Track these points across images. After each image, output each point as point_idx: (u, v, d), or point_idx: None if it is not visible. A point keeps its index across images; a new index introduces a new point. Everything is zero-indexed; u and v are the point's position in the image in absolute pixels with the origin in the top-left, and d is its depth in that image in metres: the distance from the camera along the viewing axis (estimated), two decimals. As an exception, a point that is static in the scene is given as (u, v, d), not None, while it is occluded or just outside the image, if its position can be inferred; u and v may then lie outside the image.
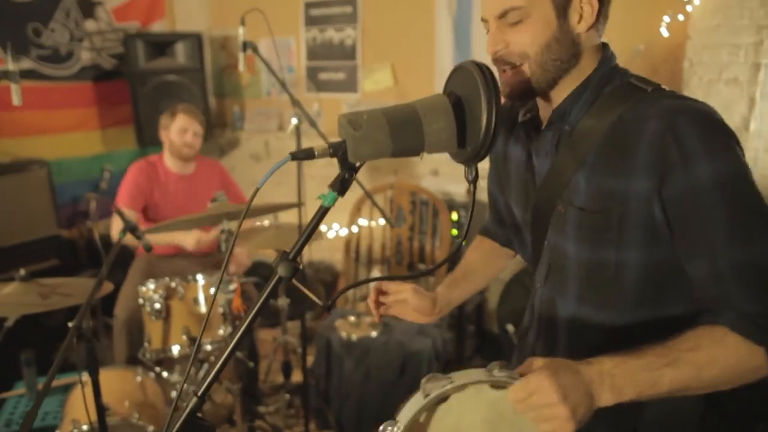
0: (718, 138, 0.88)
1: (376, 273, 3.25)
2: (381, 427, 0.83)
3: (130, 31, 3.84)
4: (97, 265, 3.45)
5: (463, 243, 1.00)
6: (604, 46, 1.02)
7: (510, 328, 2.95)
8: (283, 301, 2.60)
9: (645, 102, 0.93)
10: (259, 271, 3.32)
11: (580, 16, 0.96)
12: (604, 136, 0.95)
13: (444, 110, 0.87)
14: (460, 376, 0.82)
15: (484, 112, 0.84)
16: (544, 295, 1.11)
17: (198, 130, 2.75)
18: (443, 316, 2.73)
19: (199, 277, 2.08)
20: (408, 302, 1.18)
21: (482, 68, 0.86)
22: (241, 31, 2.21)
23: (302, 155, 0.86)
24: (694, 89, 2.62)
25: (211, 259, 2.80)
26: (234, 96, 4.28)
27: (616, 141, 0.93)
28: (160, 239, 2.55)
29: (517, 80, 0.99)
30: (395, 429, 0.82)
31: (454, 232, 3.01)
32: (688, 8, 2.57)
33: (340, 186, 0.88)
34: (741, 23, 2.50)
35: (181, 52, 3.79)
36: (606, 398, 0.81)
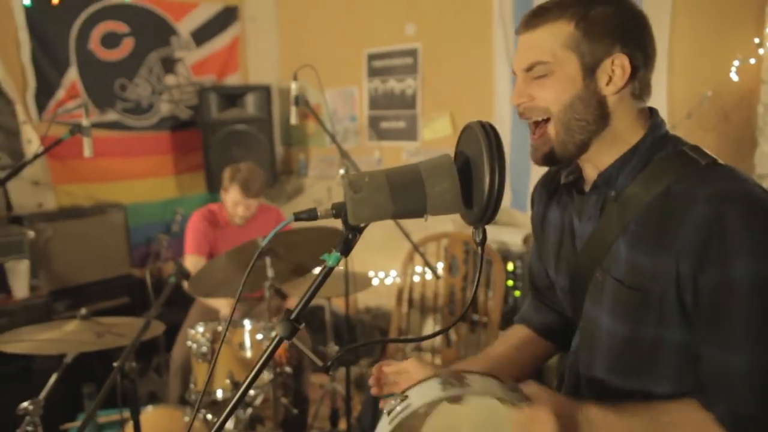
0: (766, 235, 0.83)
1: (429, 322, 3.20)
2: (390, 400, 0.88)
3: (205, 84, 4.11)
4: (165, 303, 3.62)
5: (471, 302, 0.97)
6: (652, 112, 0.99)
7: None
8: (331, 348, 2.60)
9: (696, 177, 0.89)
10: (307, 316, 3.36)
11: (610, 78, 0.93)
12: (649, 206, 0.92)
13: (448, 171, 0.86)
14: (479, 383, 0.87)
15: (487, 173, 0.82)
16: (573, 363, 1.06)
17: (251, 204, 2.77)
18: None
19: (246, 322, 2.13)
20: (410, 373, 1.12)
21: (486, 127, 0.84)
22: (293, 85, 2.31)
23: (305, 216, 0.87)
24: (771, 136, 2.44)
25: (265, 305, 2.86)
26: (300, 144, 4.45)
27: (660, 215, 0.90)
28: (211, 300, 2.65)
29: (545, 142, 0.98)
30: (404, 405, 0.85)
31: (510, 282, 2.92)
32: (760, 51, 2.43)
33: (344, 247, 0.88)
34: (820, 66, 2.33)
35: (251, 103, 4.01)
36: None
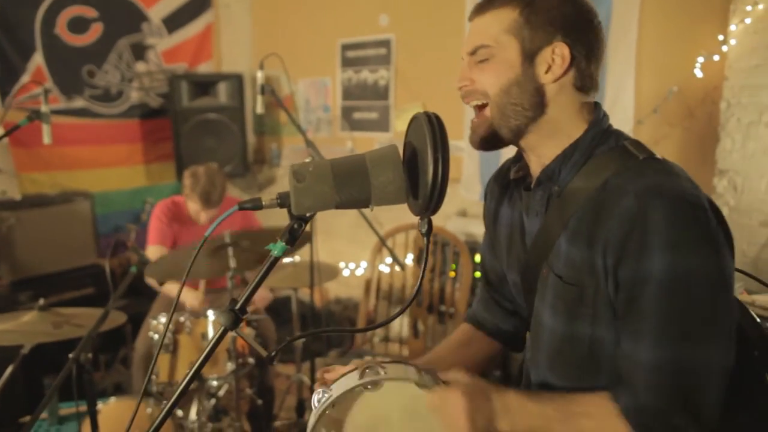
0: (689, 231, 0.83)
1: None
2: (317, 390, 0.93)
3: (177, 72, 4.05)
4: (131, 294, 3.57)
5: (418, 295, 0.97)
6: (596, 106, 0.99)
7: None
8: (298, 340, 2.60)
9: (632, 171, 0.89)
10: (273, 306, 3.35)
11: (549, 67, 0.94)
12: (587, 200, 0.91)
13: (392, 162, 0.85)
14: (394, 369, 0.90)
15: (430, 164, 0.82)
16: (526, 361, 1.08)
17: (212, 211, 2.71)
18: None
19: (210, 312, 2.11)
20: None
21: (432, 119, 0.84)
22: (259, 74, 2.30)
23: (249, 205, 0.86)
24: (732, 131, 2.49)
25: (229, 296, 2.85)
26: (272, 134, 4.41)
27: (595, 209, 0.90)
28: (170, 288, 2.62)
29: (481, 124, 0.98)
30: (326, 396, 0.90)
31: (477, 274, 2.94)
32: (724, 48, 2.47)
33: (289, 236, 0.88)
34: (780, 64, 2.38)
35: (223, 91, 3.96)
36: (503, 426, 0.87)
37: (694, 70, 2.54)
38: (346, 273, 3.52)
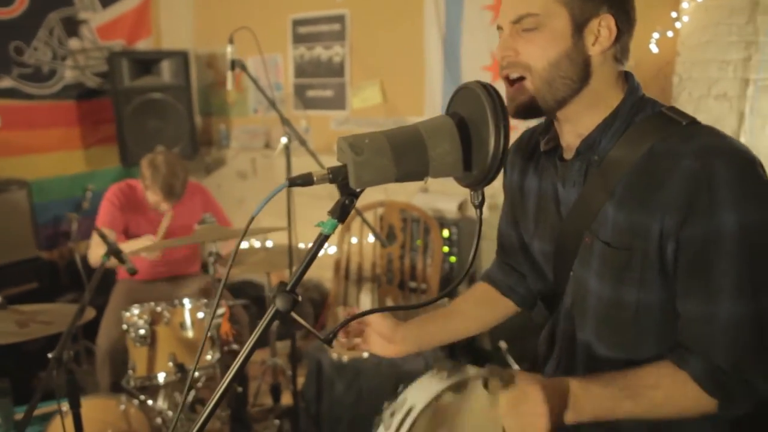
0: (753, 186, 0.86)
1: (366, 292, 3.20)
2: (387, 407, 0.81)
3: (114, 49, 3.79)
4: (78, 287, 3.36)
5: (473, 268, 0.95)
6: (628, 76, 1.00)
7: (503, 344, 2.90)
8: (274, 325, 2.53)
9: (679, 136, 0.90)
10: (247, 291, 3.26)
11: (596, 38, 0.93)
12: (634, 167, 0.92)
13: (449, 133, 0.83)
14: (471, 368, 0.83)
15: (492, 134, 0.80)
16: (567, 328, 1.08)
17: (169, 206, 2.57)
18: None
19: (186, 301, 2.02)
20: (371, 324, 1.12)
21: (489, 89, 0.82)
22: (229, 49, 2.18)
23: (300, 181, 0.81)
24: (684, 104, 2.62)
25: (197, 283, 2.73)
26: (220, 114, 4.23)
27: (646, 174, 0.91)
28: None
29: (520, 94, 0.96)
30: (404, 411, 0.76)
31: (446, 249, 2.97)
32: (677, 25, 2.59)
33: (340, 213, 0.84)
34: (729, 39, 2.52)
35: (166, 70, 3.74)
36: (569, 417, 0.86)
37: (650, 46, 2.64)
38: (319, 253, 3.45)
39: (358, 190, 0.83)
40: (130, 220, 2.64)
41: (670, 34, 2.60)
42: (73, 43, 3.63)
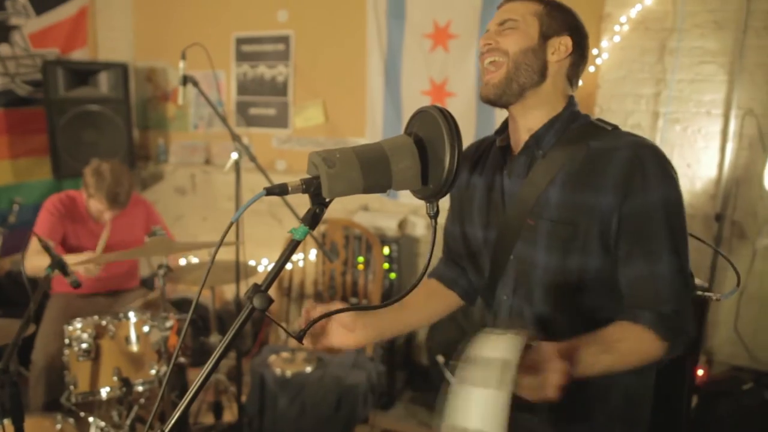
0: (668, 170, 1.11)
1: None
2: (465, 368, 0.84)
3: (48, 57, 3.68)
4: (2, 304, 3.20)
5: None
6: (571, 96, 1.23)
7: (440, 359, 3.02)
8: (215, 338, 2.53)
9: (610, 136, 1.16)
10: (185, 308, 3.21)
11: (555, 50, 1.17)
12: (573, 160, 1.15)
13: (410, 150, 0.93)
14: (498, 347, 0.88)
15: (447, 153, 0.91)
16: (514, 306, 1.24)
17: (115, 214, 2.56)
18: (377, 350, 2.74)
19: (131, 314, 2.00)
20: (338, 320, 1.21)
21: (444, 113, 0.93)
22: (181, 65, 2.21)
23: (277, 190, 0.88)
24: (604, 134, 2.88)
25: (136, 297, 2.69)
26: (158, 128, 4.18)
27: (586, 164, 1.14)
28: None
29: (496, 75, 1.17)
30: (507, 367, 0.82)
31: (386, 265, 3.08)
32: (598, 61, 2.85)
33: (311, 220, 0.92)
34: (642, 76, 2.81)
35: (104, 82, 3.67)
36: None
37: (574, 79, 2.89)
38: (260, 269, 3.45)
39: (328, 199, 0.92)
40: (69, 230, 2.57)
41: (591, 69, 2.86)
42: (3, 49, 3.50)
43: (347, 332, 1.22)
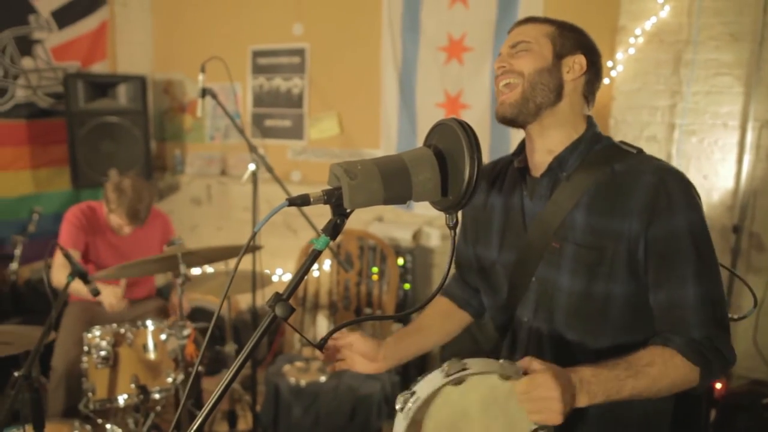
0: (693, 195, 1.11)
1: (322, 318, 3.25)
2: (399, 398, 0.94)
3: (69, 70, 3.76)
4: (21, 312, 3.25)
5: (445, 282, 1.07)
6: (590, 117, 1.23)
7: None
8: (230, 347, 2.55)
9: (635, 160, 1.15)
10: (198, 317, 3.24)
11: (570, 69, 1.17)
12: (598, 182, 1.15)
13: (429, 162, 0.95)
14: (476, 364, 0.93)
15: (467, 165, 0.92)
16: (533, 328, 1.23)
17: (133, 228, 2.60)
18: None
19: (149, 322, 2.02)
20: (353, 346, 1.24)
21: (464, 125, 0.94)
22: (201, 77, 2.25)
23: (299, 201, 0.90)
24: (619, 145, 2.87)
25: (152, 306, 2.72)
26: (175, 140, 4.24)
27: (611, 187, 1.14)
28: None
29: (511, 96, 1.16)
30: (413, 399, 0.92)
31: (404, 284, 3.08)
32: (613, 73, 2.86)
33: (333, 231, 0.93)
34: (657, 88, 2.80)
35: (123, 94, 3.74)
36: (583, 401, 0.98)
37: (589, 91, 2.90)
38: (275, 279, 3.47)
39: (348, 210, 0.93)
40: (89, 242, 2.61)
41: (606, 81, 2.86)
42: (26, 62, 3.58)
43: (368, 362, 1.25)
